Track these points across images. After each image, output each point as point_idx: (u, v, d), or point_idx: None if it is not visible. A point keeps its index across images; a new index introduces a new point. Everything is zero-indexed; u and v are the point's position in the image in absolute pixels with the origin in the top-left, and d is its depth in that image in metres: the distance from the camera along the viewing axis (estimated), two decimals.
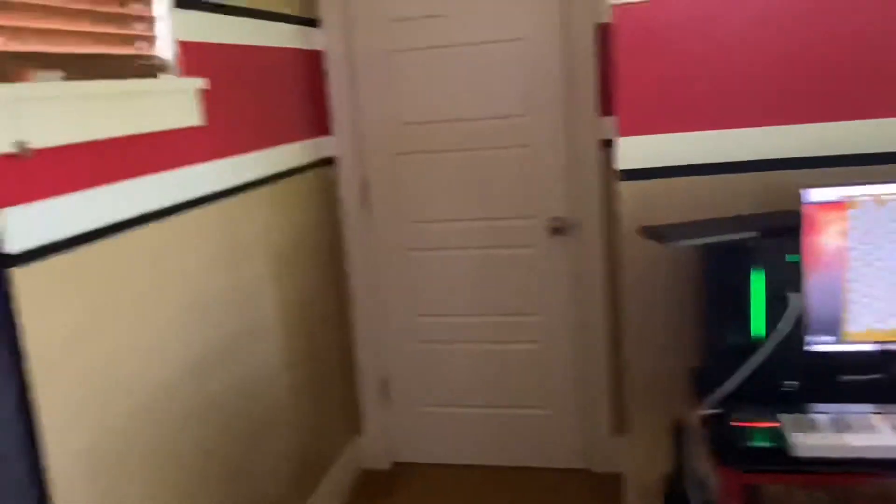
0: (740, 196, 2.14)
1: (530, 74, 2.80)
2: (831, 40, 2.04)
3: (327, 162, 2.98)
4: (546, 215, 2.89)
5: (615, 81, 2.16)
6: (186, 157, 2.05)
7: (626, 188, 2.19)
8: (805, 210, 1.76)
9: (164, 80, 1.97)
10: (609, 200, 2.81)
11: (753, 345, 1.85)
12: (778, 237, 1.83)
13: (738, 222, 1.92)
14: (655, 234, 1.87)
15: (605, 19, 2.67)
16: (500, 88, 2.84)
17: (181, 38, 2.05)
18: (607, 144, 2.75)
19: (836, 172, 2.09)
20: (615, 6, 2.12)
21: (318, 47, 2.91)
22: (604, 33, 2.69)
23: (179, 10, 2.04)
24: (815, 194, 1.76)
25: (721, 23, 2.08)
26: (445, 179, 2.96)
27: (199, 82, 2.06)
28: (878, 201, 1.73)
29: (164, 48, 2.03)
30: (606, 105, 2.73)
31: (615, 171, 2.19)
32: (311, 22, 2.87)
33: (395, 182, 3.00)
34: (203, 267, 2.11)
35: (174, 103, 1.99)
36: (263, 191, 2.46)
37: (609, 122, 2.73)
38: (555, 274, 2.93)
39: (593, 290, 2.88)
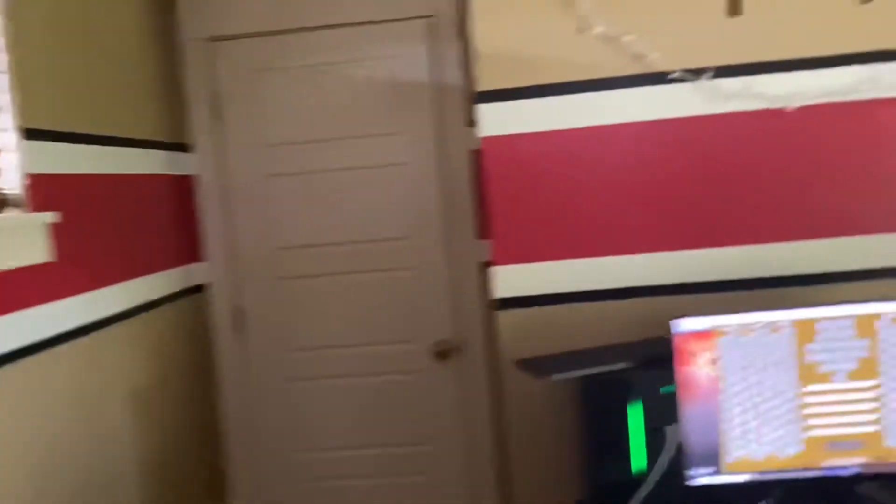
0: (618, 324, 2.15)
1: (409, 198, 2.79)
2: (699, 171, 2.12)
3: (198, 289, 2.85)
4: (430, 339, 2.83)
5: (488, 212, 2.17)
6: (34, 297, 1.88)
7: (503, 317, 2.16)
8: (676, 340, 1.76)
9: (6, 217, 1.82)
10: (491, 323, 2.78)
11: (636, 479, 1.80)
12: (652, 367, 1.83)
13: (613, 353, 1.90)
14: (530, 367, 1.83)
15: (479, 146, 2.71)
16: (380, 212, 2.81)
17: (32, 171, 1.93)
18: (488, 266, 2.75)
19: (711, 298, 2.14)
20: (483, 137, 2.14)
21: (189, 172, 2.82)
22: (478, 159, 2.72)
23: (30, 141, 1.93)
24: (685, 324, 1.77)
25: (588, 156, 2.13)
26: (325, 305, 2.86)
27: (49, 216, 1.93)
28: (744, 330, 1.76)
29: (12, 182, 1.90)
30: (485, 228, 2.74)
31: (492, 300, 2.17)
32: (181, 147, 2.79)
33: (272, 309, 2.88)
34: (51, 415, 1.92)
35: (19, 240, 1.85)
36: (124, 325, 2.30)
37: (488, 244, 2.73)
38: (441, 400, 2.85)
39: (480, 416, 2.81)
